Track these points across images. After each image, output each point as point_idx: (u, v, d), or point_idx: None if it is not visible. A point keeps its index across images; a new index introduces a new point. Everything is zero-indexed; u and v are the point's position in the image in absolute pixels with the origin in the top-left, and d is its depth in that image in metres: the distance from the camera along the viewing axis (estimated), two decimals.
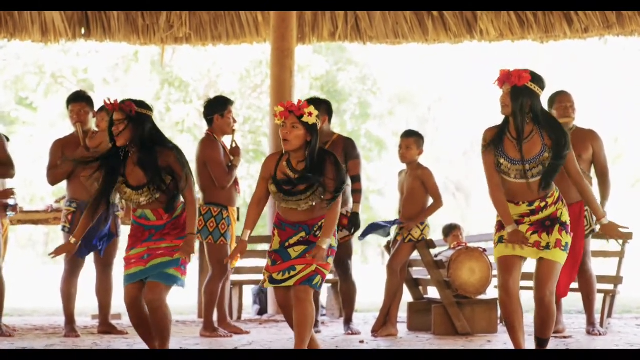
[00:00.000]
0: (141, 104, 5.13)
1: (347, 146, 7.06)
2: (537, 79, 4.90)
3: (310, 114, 4.98)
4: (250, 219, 5.12)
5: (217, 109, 6.99)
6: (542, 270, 4.92)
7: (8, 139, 7.18)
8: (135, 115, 5.06)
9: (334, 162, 5.02)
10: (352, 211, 7.00)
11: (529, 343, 5.19)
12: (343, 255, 7.08)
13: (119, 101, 5.11)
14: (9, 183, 7.58)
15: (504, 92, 4.90)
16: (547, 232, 4.90)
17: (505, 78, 4.89)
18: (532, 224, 4.91)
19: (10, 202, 7.46)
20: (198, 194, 7.80)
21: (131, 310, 5.13)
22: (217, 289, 6.94)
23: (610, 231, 5.00)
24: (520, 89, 4.85)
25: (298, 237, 5.05)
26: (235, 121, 7.07)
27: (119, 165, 5.14)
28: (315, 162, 4.99)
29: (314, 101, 7.09)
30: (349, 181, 7.04)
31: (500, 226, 4.98)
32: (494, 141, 4.92)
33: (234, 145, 7.05)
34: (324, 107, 7.07)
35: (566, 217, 4.96)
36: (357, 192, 7.01)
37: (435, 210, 7.06)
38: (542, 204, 4.91)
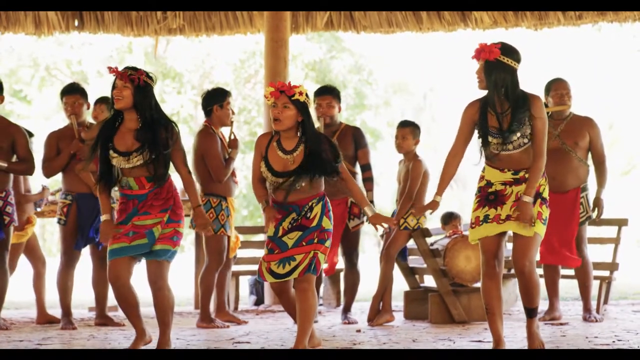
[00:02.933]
0: (146, 74, 5.17)
1: (356, 135, 7.07)
2: (509, 52, 4.92)
3: (301, 93, 5.01)
4: (261, 194, 5.15)
5: (216, 99, 6.96)
6: (520, 242, 4.96)
7: (32, 134, 7.19)
8: (141, 83, 5.11)
9: (329, 142, 5.09)
10: None
11: (521, 325, 5.20)
12: (352, 244, 7.12)
13: (125, 69, 5.15)
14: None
15: (479, 66, 4.94)
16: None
17: (478, 53, 4.93)
18: (516, 200, 4.92)
19: None
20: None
21: (115, 285, 5.14)
22: (213, 280, 6.92)
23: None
24: (492, 64, 4.89)
25: (289, 219, 5.07)
26: (233, 112, 7.06)
27: (113, 133, 5.16)
28: (313, 145, 5.01)
29: (327, 89, 7.09)
30: (359, 169, 7.06)
31: (479, 204, 5.00)
32: (476, 116, 4.97)
33: (232, 137, 7.03)
34: (337, 95, 7.10)
35: (547, 193, 5.01)
36: (368, 180, 7.03)
37: (406, 207, 6.97)
38: (527, 175, 4.93)
